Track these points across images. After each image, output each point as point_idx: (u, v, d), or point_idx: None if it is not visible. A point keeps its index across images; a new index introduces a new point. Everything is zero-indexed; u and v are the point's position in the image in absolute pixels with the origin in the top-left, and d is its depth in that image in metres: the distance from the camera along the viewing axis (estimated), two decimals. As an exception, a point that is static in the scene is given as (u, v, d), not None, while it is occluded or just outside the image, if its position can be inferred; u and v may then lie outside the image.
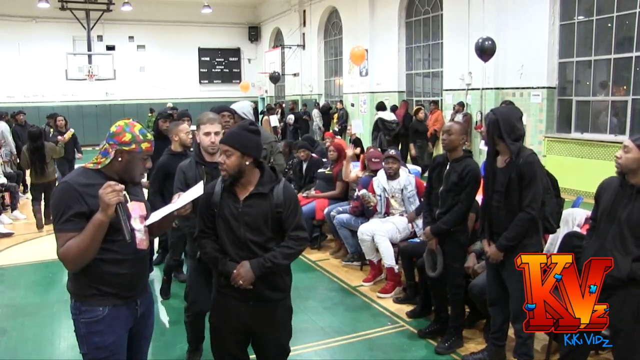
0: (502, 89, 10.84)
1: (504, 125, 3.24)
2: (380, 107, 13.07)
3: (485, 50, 9.81)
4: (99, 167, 2.25)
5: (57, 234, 2.17)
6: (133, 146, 2.23)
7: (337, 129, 15.24)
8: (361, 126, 12.54)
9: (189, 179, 3.30)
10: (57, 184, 2.24)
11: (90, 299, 2.26)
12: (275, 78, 18.56)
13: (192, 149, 4.21)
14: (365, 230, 5.05)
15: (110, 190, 2.06)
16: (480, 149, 9.99)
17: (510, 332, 3.58)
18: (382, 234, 4.92)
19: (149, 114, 17.92)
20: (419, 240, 4.73)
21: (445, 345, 3.88)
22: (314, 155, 7.10)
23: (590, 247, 3.00)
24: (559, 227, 3.68)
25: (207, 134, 3.37)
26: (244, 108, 4.65)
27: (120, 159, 2.24)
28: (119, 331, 2.32)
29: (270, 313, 2.67)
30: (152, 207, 3.26)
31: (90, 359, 2.30)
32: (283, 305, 2.73)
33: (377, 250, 5.03)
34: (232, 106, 4.60)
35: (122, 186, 2.11)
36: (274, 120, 13.80)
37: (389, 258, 4.88)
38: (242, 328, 2.67)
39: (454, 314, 3.91)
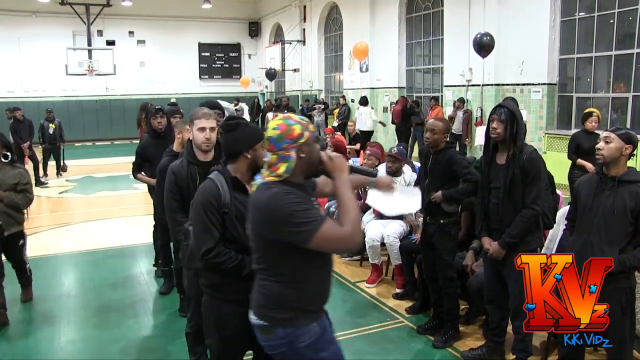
0: (503, 85, 10.82)
1: (519, 121, 3.20)
2: (362, 102, 13.31)
3: (484, 46, 9.76)
4: (284, 177, 2.00)
5: (318, 233, 1.89)
6: (307, 134, 2.00)
7: (336, 125, 15.17)
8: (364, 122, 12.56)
9: (180, 180, 3.10)
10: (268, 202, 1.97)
11: (300, 319, 2.06)
12: (271, 75, 18.46)
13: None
14: (374, 236, 4.99)
15: (337, 157, 2.05)
16: (480, 145, 9.96)
17: (509, 328, 3.59)
18: (395, 235, 4.89)
19: (149, 111, 17.88)
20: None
21: (443, 339, 3.90)
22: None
23: (573, 244, 3.00)
24: (555, 222, 3.69)
25: (202, 129, 3.11)
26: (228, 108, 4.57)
27: (302, 154, 2.00)
28: (330, 336, 2.18)
29: None
30: (171, 220, 3.21)
31: None
32: None
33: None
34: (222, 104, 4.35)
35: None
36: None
37: (398, 258, 4.86)
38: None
39: (448, 307, 3.92)
